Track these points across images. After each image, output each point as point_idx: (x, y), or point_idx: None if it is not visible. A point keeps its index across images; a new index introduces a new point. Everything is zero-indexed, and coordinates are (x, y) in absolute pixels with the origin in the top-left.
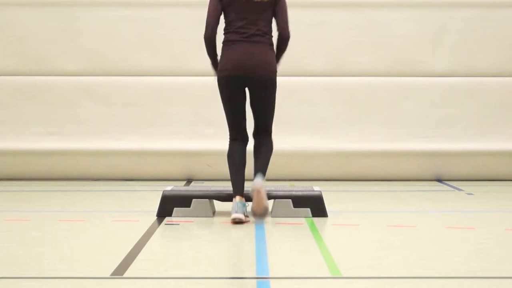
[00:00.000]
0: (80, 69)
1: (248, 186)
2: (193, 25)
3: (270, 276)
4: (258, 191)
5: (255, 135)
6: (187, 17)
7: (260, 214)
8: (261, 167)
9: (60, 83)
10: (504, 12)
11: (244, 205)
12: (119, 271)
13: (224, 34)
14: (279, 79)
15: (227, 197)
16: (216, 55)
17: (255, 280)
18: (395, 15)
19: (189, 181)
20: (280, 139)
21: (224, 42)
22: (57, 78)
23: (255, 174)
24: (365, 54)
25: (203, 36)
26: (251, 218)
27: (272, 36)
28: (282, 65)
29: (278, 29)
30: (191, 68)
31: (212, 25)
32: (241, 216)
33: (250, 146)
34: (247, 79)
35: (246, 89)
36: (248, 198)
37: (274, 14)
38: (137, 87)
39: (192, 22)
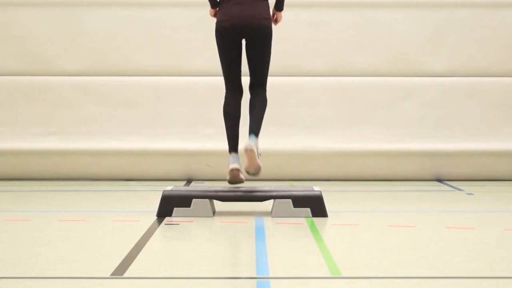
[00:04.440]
0: (80, 69)
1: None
2: (193, 25)
3: (270, 276)
4: (251, 151)
5: (250, 89)
6: (187, 17)
7: (253, 172)
8: (254, 127)
9: (60, 83)
10: (504, 12)
11: (239, 160)
12: (119, 271)
13: None
14: (279, 79)
15: (227, 197)
16: None
17: (255, 280)
18: (394, 15)
19: (189, 181)
20: (280, 139)
21: (221, 1)
22: (57, 78)
23: (249, 134)
24: (365, 54)
25: None
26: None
27: None
28: (282, 65)
29: None
30: (191, 68)
31: None
32: (237, 165)
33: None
34: (244, 29)
35: (243, 42)
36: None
37: None
38: (137, 87)
39: (192, 22)
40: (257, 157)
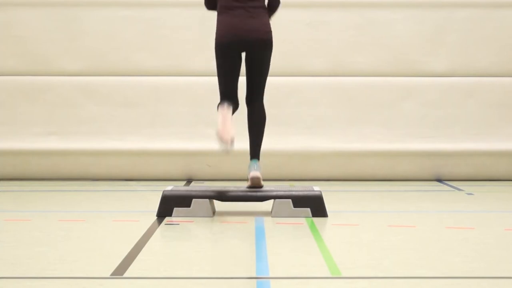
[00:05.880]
0: (80, 69)
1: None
2: (193, 25)
3: (270, 276)
4: (257, 179)
5: (248, 102)
6: (187, 17)
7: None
8: (256, 150)
9: (60, 83)
10: (504, 12)
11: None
12: (119, 271)
13: (219, 0)
14: (279, 79)
15: (227, 197)
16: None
17: (255, 280)
18: (394, 15)
19: (189, 181)
20: (280, 139)
21: (220, 8)
22: (57, 78)
23: (251, 159)
24: (365, 54)
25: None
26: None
27: (265, 0)
28: (282, 65)
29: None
30: (191, 68)
31: None
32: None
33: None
34: (245, 42)
35: (243, 54)
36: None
37: None
38: (137, 87)
39: (192, 22)
40: (261, 180)
